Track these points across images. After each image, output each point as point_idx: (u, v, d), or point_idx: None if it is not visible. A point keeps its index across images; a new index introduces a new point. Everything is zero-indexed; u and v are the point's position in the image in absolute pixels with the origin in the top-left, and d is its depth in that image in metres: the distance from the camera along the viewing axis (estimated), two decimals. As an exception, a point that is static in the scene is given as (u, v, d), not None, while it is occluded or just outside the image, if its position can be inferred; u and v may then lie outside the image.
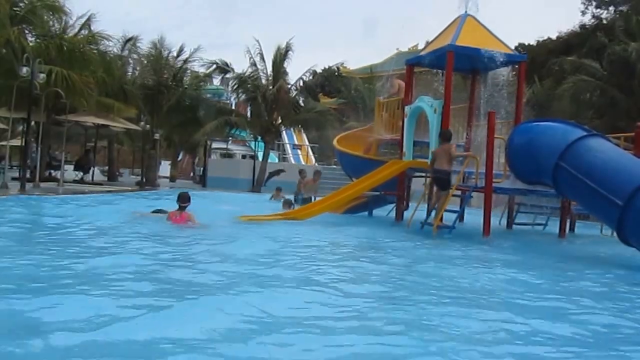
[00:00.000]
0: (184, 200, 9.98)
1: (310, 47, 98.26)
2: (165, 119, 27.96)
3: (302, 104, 30.02)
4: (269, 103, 27.88)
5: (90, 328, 3.65)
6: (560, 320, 4.75)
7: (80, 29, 23.03)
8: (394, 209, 14.93)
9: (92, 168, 25.64)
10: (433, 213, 11.96)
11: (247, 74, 28.36)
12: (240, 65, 37.61)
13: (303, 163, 36.97)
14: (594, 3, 31.85)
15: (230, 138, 35.91)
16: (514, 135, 11.71)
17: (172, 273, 5.72)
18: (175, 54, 28.18)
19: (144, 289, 4.91)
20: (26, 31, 21.03)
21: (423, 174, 14.64)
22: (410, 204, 14.88)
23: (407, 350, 3.69)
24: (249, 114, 31.11)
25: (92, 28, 23.25)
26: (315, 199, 16.82)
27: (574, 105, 25.17)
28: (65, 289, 4.75)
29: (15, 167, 25.52)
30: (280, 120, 29.19)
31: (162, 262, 6.33)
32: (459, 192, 12.15)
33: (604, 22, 30.80)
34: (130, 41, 27.71)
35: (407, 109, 13.62)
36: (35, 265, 5.63)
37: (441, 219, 11.41)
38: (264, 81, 28.38)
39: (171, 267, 6.06)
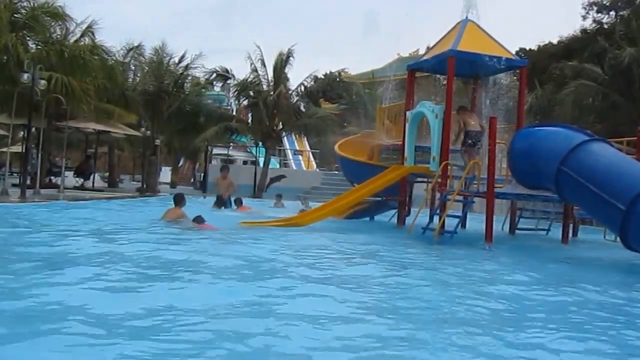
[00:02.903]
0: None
1: (311, 51, 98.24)
2: (166, 125, 27.90)
3: (303, 110, 29.99)
4: (270, 109, 27.85)
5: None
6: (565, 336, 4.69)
7: (82, 35, 23.01)
8: (396, 214, 14.88)
9: (92, 174, 25.57)
10: (435, 218, 11.91)
11: (248, 79, 28.37)
12: (242, 70, 37.74)
13: (304, 169, 36.94)
14: (594, 8, 31.81)
15: (231, 144, 35.87)
16: (515, 140, 11.66)
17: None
18: (176, 60, 28.20)
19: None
20: (27, 37, 21.02)
21: (425, 179, 14.59)
22: (412, 210, 14.82)
23: None
24: (249, 119, 31.08)
25: (94, 35, 23.23)
26: (230, 197, 16.08)
27: (576, 110, 25.09)
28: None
29: (15, 174, 25.43)
30: (281, 126, 29.15)
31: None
32: (461, 198, 12.10)
33: (605, 26, 30.75)
34: (132, 50, 27.70)
35: (408, 114, 13.59)
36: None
37: (443, 225, 11.34)
38: (265, 87, 28.36)
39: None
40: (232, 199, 16.27)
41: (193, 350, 3.57)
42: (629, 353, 4.21)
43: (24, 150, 18.65)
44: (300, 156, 39.80)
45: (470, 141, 12.32)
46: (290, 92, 28.89)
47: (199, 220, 10.82)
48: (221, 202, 15.90)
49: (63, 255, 6.83)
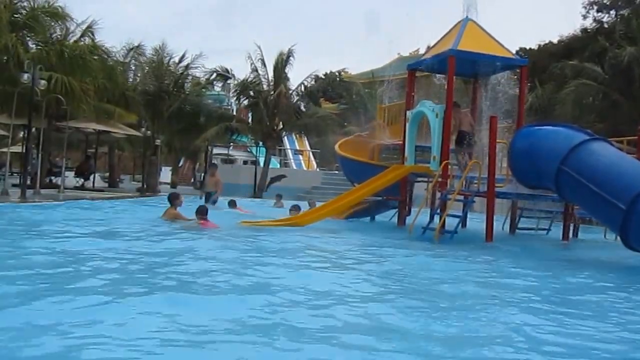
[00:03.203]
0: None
1: (311, 51, 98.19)
2: (167, 125, 27.88)
3: (303, 109, 29.98)
4: (270, 108, 27.84)
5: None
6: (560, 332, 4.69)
7: (82, 35, 23.00)
8: (396, 214, 14.87)
9: (92, 174, 25.56)
10: (436, 218, 11.90)
11: (248, 79, 28.37)
12: (242, 70, 37.71)
13: (305, 168, 36.91)
14: (595, 7, 31.78)
15: (231, 144, 35.86)
16: (516, 140, 11.65)
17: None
18: (176, 60, 28.17)
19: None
20: (27, 38, 21.02)
21: (425, 179, 14.58)
22: (412, 209, 14.81)
23: None
24: (250, 119, 31.08)
25: (94, 35, 23.21)
26: (216, 194, 16.29)
27: (576, 109, 25.08)
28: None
29: (15, 174, 25.43)
30: (281, 126, 29.15)
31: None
32: (461, 197, 12.09)
33: (605, 25, 30.72)
34: (132, 50, 27.68)
35: (408, 113, 13.58)
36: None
37: (443, 224, 11.33)
38: (265, 87, 28.36)
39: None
40: (227, 201, 16.29)
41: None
42: (629, 350, 4.21)
43: (24, 151, 18.65)
44: (300, 156, 39.80)
45: (465, 143, 12.33)
46: (290, 92, 28.88)
47: (201, 211, 10.84)
48: (208, 199, 16.02)
49: (63, 257, 6.83)
